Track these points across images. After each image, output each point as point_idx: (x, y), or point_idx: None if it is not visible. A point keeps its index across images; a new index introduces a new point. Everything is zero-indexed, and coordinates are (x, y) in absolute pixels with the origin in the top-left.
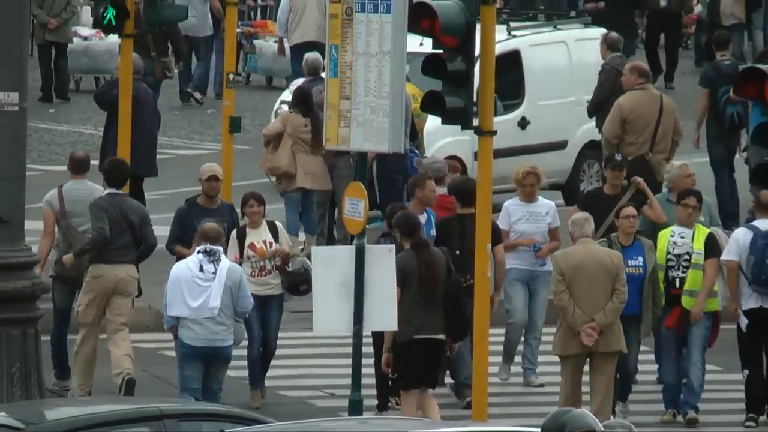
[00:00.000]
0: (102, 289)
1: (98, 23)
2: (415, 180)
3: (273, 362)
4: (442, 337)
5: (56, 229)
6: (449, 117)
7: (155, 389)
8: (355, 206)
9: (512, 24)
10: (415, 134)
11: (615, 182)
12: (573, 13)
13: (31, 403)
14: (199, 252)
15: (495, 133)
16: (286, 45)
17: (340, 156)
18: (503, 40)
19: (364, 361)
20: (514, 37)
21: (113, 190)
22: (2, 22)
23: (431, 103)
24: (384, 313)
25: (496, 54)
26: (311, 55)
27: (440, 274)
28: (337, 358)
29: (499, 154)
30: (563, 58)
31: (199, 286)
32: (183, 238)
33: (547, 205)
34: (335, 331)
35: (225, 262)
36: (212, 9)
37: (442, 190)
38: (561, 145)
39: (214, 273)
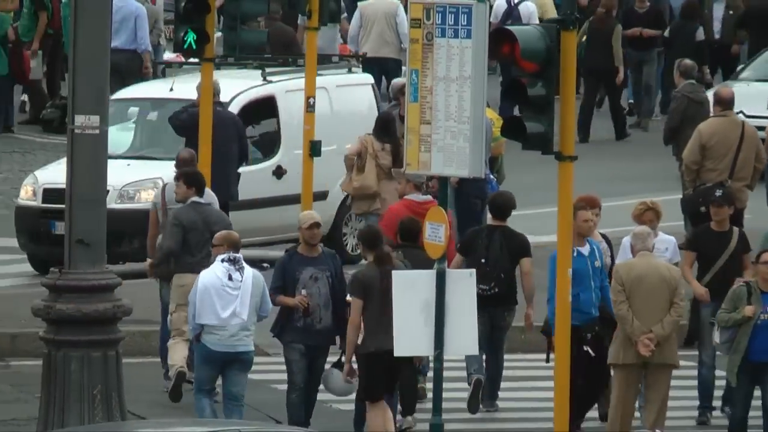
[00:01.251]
0: (185, 296)
1: (179, 47)
2: None
3: None
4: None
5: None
6: (529, 142)
7: None
8: (435, 231)
9: (268, 69)
10: (494, 159)
11: (719, 218)
12: (336, 59)
13: (111, 425)
14: (223, 260)
15: (576, 158)
16: None
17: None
18: (257, 86)
19: (446, 385)
20: (270, 82)
21: (196, 199)
22: (84, 47)
23: (511, 129)
24: (464, 336)
25: (249, 100)
26: (397, 81)
27: None
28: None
29: (254, 204)
30: (323, 104)
31: (229, 294)
32: (285, 289)
33: (667, 240)
34: (415, 354)
35: (249, 270)
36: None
37: (421, 198)
38: (321, 196)
39: (242, 281)
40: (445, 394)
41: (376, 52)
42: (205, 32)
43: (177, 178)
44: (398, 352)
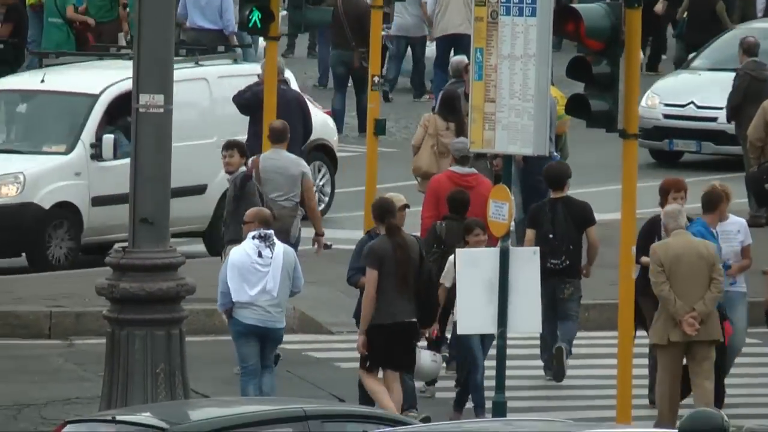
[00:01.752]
0: None
1: (244, 26)
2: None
3: None
4: (414, 320)
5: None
6: (594, 120)
7: (300, 390)
8: (499, 209)
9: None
10: (558, 137)
11: None
12: (222, 48)
13: (175, 403)
14: (253, 237)
15: (640, 135)
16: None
17: (478, 159)
18: (125, 79)
19: (509, 363)
20: (201, 66)
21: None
22: (148, 26)
23: (576, 107)
24: (528, 314)
25: (120, 93)
26: (456, 58)
27: (413, 257)
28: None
29: (116, 200)
30: (203, 96)
31: (258, 271)
32: (364, 270)
33: (738, 222)
34: (480, 332)
35: (280, 246)
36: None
37: (464, 170)
38: (199, 190)
39: (272, 257)
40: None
41: (453, 28)
42: (270, 11)
43: (228, 147)
44: (461, 330)
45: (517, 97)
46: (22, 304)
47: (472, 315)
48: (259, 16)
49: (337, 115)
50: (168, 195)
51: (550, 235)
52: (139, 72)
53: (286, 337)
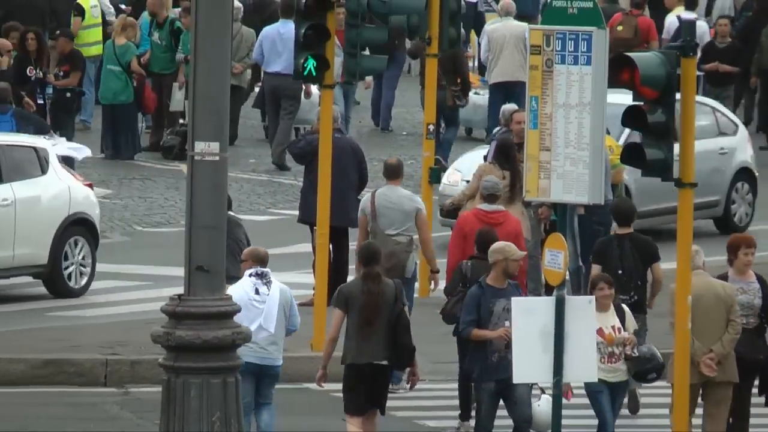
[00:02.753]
0: None
1: (298, 74)
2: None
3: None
4: (383, 362)
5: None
6: (649, 169)
7: None
8: (555, 257)
9: None
10: (614, 186)
11: None
12: None
13: None
14: (250, 275)
15: (695, 185)
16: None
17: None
18: None
19: (565, 412)
20: None
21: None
22: (203, 72)
23: (631, 155)
24: (584, 363)
25: None
26: (507, 107)
27: (382, 304)
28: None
29: None
30: None
31: (255, 308)
32: (479, 323)
33: None
34: (535, 380)
35: (276, 284)
36: None
37: (491, 207)
38: None
39: (268, 294)
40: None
41: (506, 76)
42: (325, 59)
43: None
44: (517, 378)
45: (572, 146)
46: (78, 351)
47: (527, 363)
48: (314, 64)
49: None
50: (223, 243)
51: (619, 271)
52: (194, 119)
53: (341, 386)
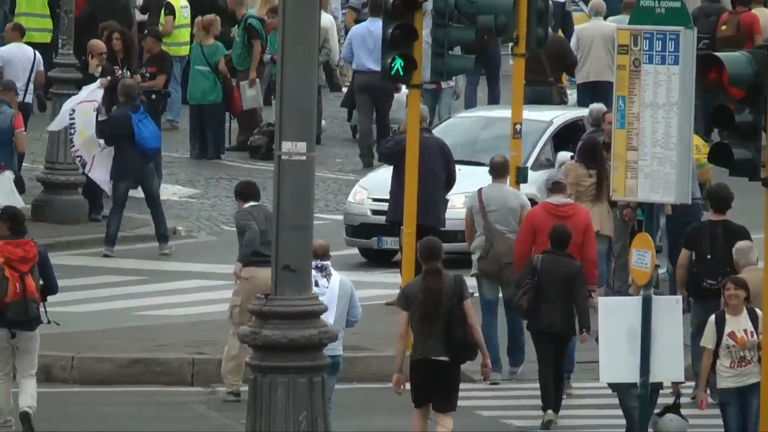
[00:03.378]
0: (252, 290)
1: (386, 74)
2: None
3: (567, 411)
4: (444, 359)
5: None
6: (736, 169)
7: None
8: (642, 257)
9: None
10: (701, 186)
11: None
12: None
13: None
14: (313, 268)
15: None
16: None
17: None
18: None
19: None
20: None
21: (253, 203)
22: (290, 73)
23: (718, 155)
24: (671, 363)
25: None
26: (594, 106)
27: (441, 300)
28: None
29: None
30: None
31: None
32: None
33: None
34: (622, 381)
35: (336, 276)
36: None
37: (559, 200)
38: None
39: (327, 287)
40: None
41: (595, 76)
42: (413, 59)
43: None
44: (604, 378)
45: (659, 146)
46: (165, 351)
47: (614, 363)
48: (402, 64)
49: None
50: (310, 242)
51: (708, 256)
52: (281, 119)
53: None
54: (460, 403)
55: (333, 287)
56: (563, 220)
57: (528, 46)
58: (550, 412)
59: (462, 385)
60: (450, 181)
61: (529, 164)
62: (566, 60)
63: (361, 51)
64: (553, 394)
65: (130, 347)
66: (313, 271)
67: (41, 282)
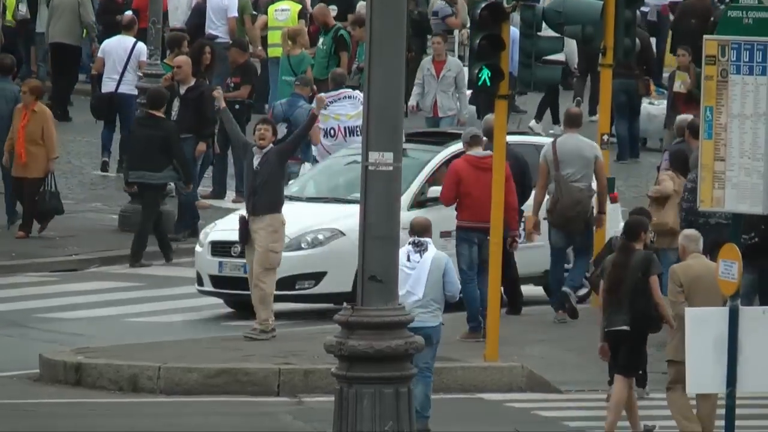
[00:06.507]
0: None
1: (473, 84)
2: None
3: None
4: (624, 328)
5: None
6: None
7: None
8: (728, 268)
9: None
10: None
11: None
12: None
13: None
14: (409, 243)
15: None
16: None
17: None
18: None
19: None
20: None
21: None
22: (377, 83)
23: None
24: (759, 374)
25: None
26: (681, 117)
27: (626, 275)
28: None
29: None
30: None
31: (405, 274)
32: None
33: None
34: (709, 391)
35: (431, 252)
36: None
37: (480, 153)
38: None
39: (419, 262)
40: None
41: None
42: (500, 69)
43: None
44: (690, 389)
45: (746, 156)
46: (252, 361)
47: (701, 373)
48: (489, 74)
49: (620, 141)
50: (396, 252)
51: None
52: (368, 129)
53: (514, 396)
54: (548, 414)
55: (425, 261)
56: (485, 171)
57: (615, 57)
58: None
59: (550, 396)
60: (525, 192)
61: (406, 204)
62: (649, 53)
63: None
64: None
65: (216, 357)
66: (409, 247)
67: None
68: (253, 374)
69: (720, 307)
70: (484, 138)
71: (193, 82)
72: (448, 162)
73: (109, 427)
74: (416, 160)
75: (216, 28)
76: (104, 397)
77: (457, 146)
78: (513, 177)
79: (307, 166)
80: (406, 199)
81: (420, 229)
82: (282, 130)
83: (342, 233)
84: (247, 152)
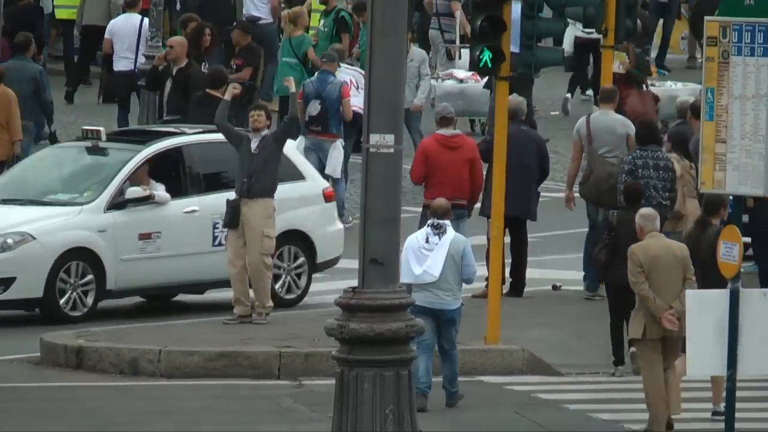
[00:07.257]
0: None
1: (474, 65)
2: None
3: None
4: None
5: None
6: None
7: None
8: (729, 250)
9: None
10: None
11: None
12: None
13: None
14: (428, 225)
15: None
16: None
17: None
18: None
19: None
20: None
21: None
22: (378, 65)
23: None
24: (760, 356)
25: None
26: (682, 99)
27: (697, 250)
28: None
29: None
30: None
31: (423, 255)
32: None
33: None
34: (709, 374)
35: (450, 234)
36: None
37: (450, 132)
38: None
39: (438, 243)
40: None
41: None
42: (501, 51)
43: None
44: (691, 372)
45: (748, 138)
46: (252, 344)
47: (702, 357)
48: (490, 56)
49: None
50: (398, 235)
51: None
52: (369, 112)
53: (514, 378)
54: (548, 396)
55: (443, 243)
56: (453, 150)
57: (617, 38)
58: (620, 368)
59: (550, 379)
60: (543, 174)
61: (104, 204)
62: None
63: None
64: (623, 349)
65: (216, 341)
66: (428, 229)
67: None
68: (254, 357)
69: (721, 290)
70: (509, 119)
71: (184, 63)
72: (149, 161)
73: (109, 410)
74: (115, 159)
75: (257, 9)
76: (105, 381)
77: (158, 145)
78: (532, 160)
79: (340, 142)
80: (103, 200)
81: (442, 212)
82: (316, 106)
83: (32, 237)
84: (242, 141)
